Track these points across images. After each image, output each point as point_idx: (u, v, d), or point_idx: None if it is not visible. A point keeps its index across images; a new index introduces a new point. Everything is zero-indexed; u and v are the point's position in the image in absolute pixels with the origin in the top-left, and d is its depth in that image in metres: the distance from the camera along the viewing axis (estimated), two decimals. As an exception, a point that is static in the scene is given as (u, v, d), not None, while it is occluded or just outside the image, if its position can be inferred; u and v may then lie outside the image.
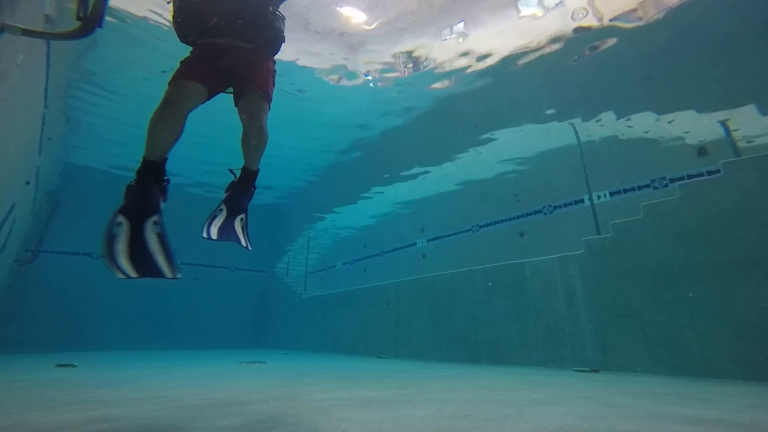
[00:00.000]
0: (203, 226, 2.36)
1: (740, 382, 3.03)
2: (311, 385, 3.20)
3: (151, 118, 1.87)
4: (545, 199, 6.79)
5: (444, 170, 8.80)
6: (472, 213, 7.99)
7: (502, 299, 5.15)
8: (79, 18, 2.09)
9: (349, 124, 8.33)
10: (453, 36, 6.13)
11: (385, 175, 9.56)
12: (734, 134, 4.98)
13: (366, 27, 6.05)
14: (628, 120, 6.06)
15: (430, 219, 8.93)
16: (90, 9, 2.08)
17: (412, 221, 9.33)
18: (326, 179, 10.77)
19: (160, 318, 10.22)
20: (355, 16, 5.88)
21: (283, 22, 2.37)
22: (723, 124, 5.07)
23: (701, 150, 5.18)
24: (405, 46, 6.39)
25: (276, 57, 2.45)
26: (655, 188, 5.47)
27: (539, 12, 5.62)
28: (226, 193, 2.40)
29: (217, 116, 5.88)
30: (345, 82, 7.12)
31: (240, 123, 2.23)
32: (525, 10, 5.60)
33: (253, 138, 2.19)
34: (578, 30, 5.75)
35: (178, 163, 9.23)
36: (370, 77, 6.98)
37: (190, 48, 2.28)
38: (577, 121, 6.68)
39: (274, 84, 2.36)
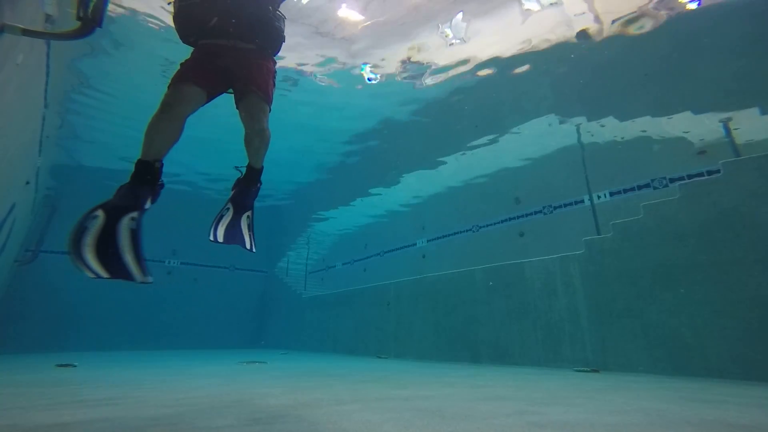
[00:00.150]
0: (210, 228, 2.38)
1: (740, 382, 3.03)
2: (311, 384, 3.20)
3: (150, 121, 1.88)
4: (545, 199, 6.79)
5: (444, 170, 8.80)
6: (472, 213, 7.99)
7: (502, 299, 5.15)
8: (79, 18, 2.09)
9: (348, 124, 8.32)
10: (453, 36, 6.13)
11: (385, 176, 9.57)
12: (734, 133, 4.98)
13: (365, 27, 6.05)
14: (628, 120, 6.07)
15: (430, 219, 8.93)
16: (90, 9, 2.08)
17: (412, 221, 9.34)
18: (326, 180, 10.77)
19: (160, 318, 10.23)
20: (353, 16, 5.88)
21: (284, 22, 2.38)
22: (723, 124, 5.08)
23: (701, 150, 5.18)
24: (404, 45, 6.38)
25: (275, 57, 2.46)
26: (655, 188, 5.48)
27: (540, 7, 5.57)
28: (232, 190, 2.43)
29: (216, 117, 5.88)
30: (345, 83, 7.11)
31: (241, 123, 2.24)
32: (528, 4, 5.53)
33: (255, 139, 2.21)
34: (578, 30, 5.75)
35: (178, 163, 9.25)
36: (370, 77, 6.97)
37: (190, 49, 2.29)
38: (577, 121, 6.69)
39: (274, 85, 2.37)
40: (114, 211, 1.66)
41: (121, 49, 6.22)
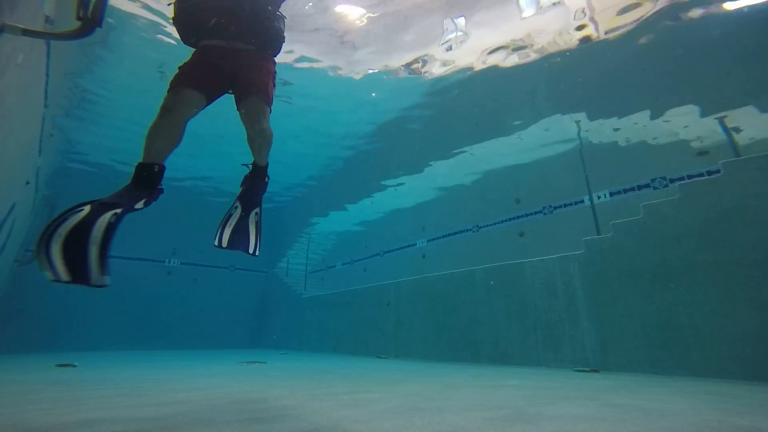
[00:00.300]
0: (215, 233, 2.37)
1: (740, 382, 3.03)
2: (311, 385, 3.20)
3: (150, 125, 1.89)
4: (545, 200, 6.79)
5: (444, 170, 8.80)
6: (472, 213, 7.99)
7: (502, 299, 5.15)
8: (79, 18, 2.09)
9: (348, 125, 8.32)
10: (453, 36, 6.13)
11: (384, 176, 9.57)
12: (735, 134, 4.98)
13: (364, 27, 6.05)
14: (629, 120, 6.07)
15: (430, 219, 8.94)
16: (90, 9, 2.08)
17: (412, 221, 9.34)
18: (326, 180, 10.77)
19: (160, 318, 10.22)
20: (353, 15, 5.87)
21: (283, 23, 2.38)
22: (723, 123, 5.08)
23: (701, 151, 5.18)
24: (404, 45, 6.38)
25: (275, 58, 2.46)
26: (655, 188, 5.48)
27: (539, 11, 5.61)
28: (241, 187, 2.46)
29: (216, 116, 5.88)
30: (345, 83, 7.11)
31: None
32: (527, 10, 5.58)
33: (257, 139, 2.23)
34: (578, 31, 5.75)
35: (178, 163, 9.24)
36: (373, 71, 6.95)
37: (190, 50, 2.29)
38: (577, 120, 6.69)
39: (274, 85, 2.37)
40: (101, 207, 1.63)
41: (117, 51, 6.24)
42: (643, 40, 5.59)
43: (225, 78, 2.17)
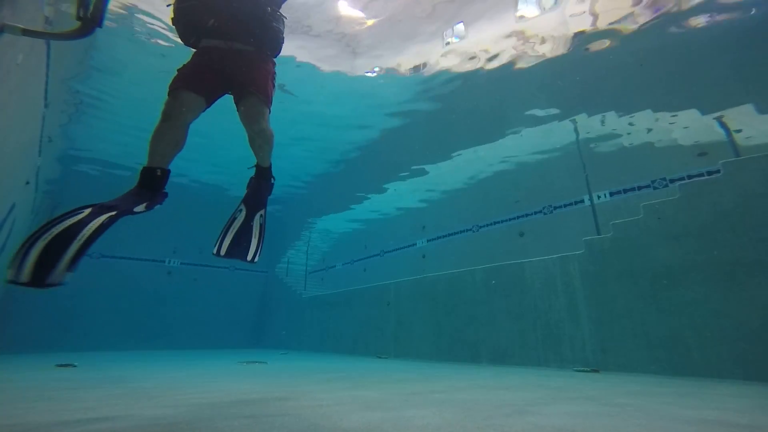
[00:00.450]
0: (217, 238, 2.35)
1: (740, 382, 3.03)
2: (311, 385, 3.20)
3: (153, 130, 1.91)
4: (545, 199, 6.79)
5: (444, 170, 8.79)
6: (472, 213, 7.99)
7: (502, 299, 5.15)
8: (79, 18, 2.09)
9: (347, 125, 8.32)
10: (453, 36, 6.13)
11: (384, 176, 9.57)
12: (735, 134, 4.98)
13: (364, 27, 6.05)
14: (628, 120, 6.06)
15: (430, 219, 8.93)
16: (90, 9, 2.08)
17: (412, 221, 9.34)
18: (326, 180, 10.77)
19: (160, 318, 10.22)
20: (353, 15, 5.88)
21: (283, 23, 2.37)
22: (723, 123, 5.07)
23: (701, 151, 5.18)
24: (404, 46, 6.38)
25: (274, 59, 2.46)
26: (655, 188, 5.48)
27: (537, 12, 5.62)
28: (247, 189, 2.47)
29: (216, 117, 5.89)
30: (344, 83, 7.11)
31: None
32: (523, 10, 5.60)
33: (257, 139, 2.23)
34: (576, 31, 5.75)
35: (179, 164, 9.22)
36: (373, 73, 6.95)
37: (190, 50, 2.29)
38: (577, 121, 6.68)
39: (274, 86, 2.37)
40: (100, 209, 1.62)
41: (124, 45, 6.23)
42: (643, 40, 5.59)
43: (224, 79, 2.17)
